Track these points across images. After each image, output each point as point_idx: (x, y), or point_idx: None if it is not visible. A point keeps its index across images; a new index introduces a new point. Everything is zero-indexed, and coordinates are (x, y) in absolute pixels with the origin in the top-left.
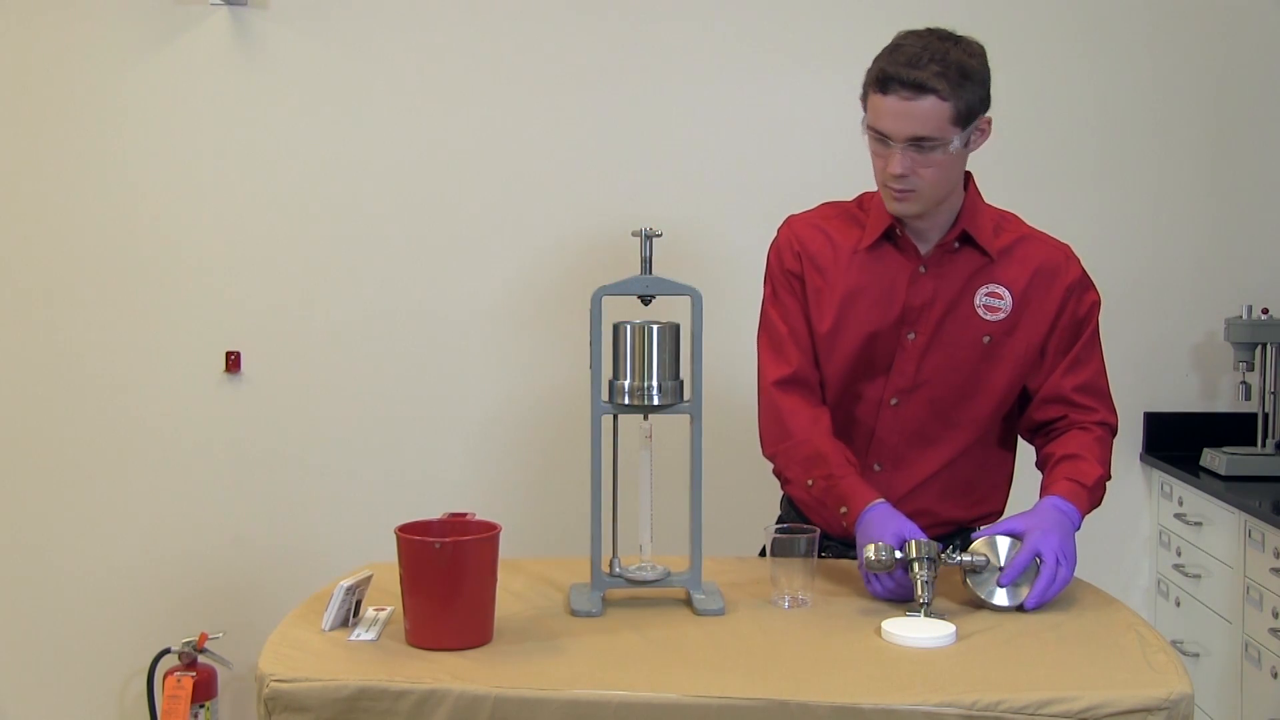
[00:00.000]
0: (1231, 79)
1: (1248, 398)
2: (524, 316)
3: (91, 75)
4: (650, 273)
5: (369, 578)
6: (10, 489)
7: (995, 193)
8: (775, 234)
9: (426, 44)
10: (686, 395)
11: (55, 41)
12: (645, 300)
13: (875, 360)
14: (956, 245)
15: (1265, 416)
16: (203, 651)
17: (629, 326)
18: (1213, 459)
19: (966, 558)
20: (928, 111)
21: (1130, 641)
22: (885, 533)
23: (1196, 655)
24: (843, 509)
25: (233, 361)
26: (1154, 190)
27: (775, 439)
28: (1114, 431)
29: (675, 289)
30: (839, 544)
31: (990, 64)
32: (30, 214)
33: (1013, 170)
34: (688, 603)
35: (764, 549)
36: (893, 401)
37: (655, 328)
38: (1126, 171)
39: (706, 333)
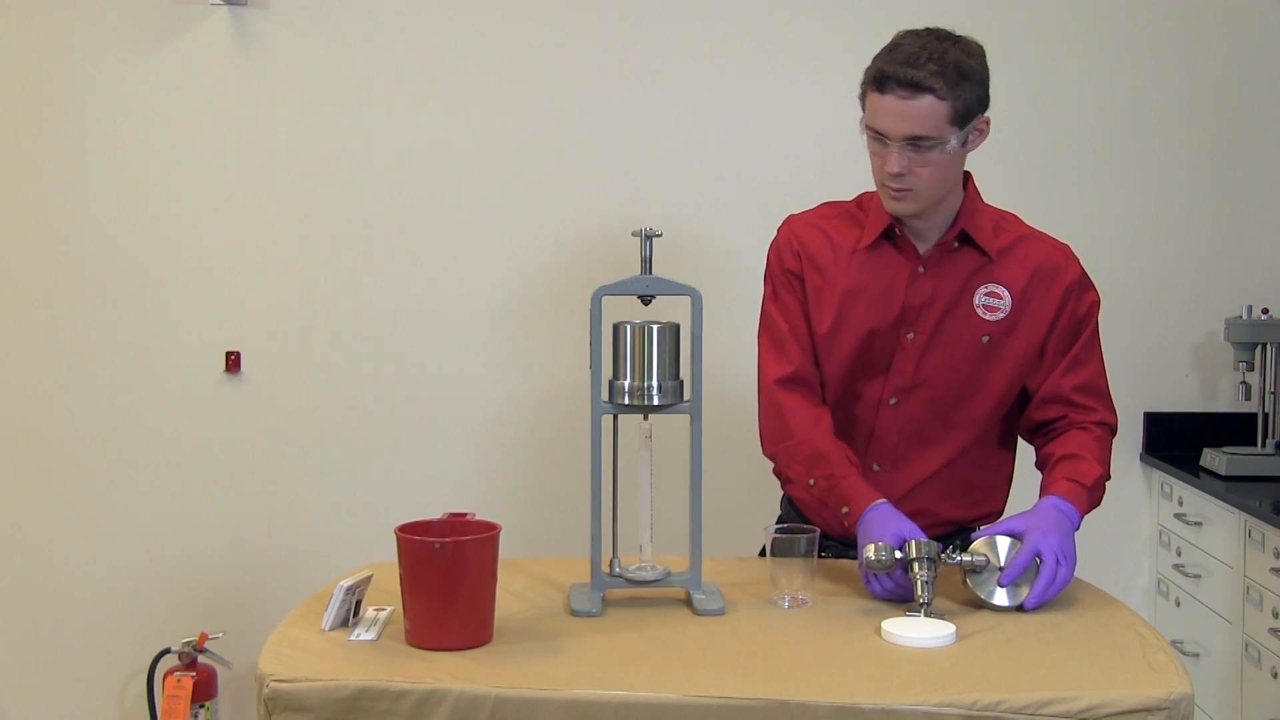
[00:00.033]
0: (1231, 79)
1: (1248, 398)
2: (524, 316)
3: (91, 75)
4: (650, 273)
5: (369, 578)
6: (10, 489)
7: (995, 193)
8: (775, 234)
9: (426, 44)
10: (686, 395)
11: (55, 41)
12: (645, 300)
13: (874, 360)
14: (956, 245)
15: (1265, 416)
16: (203, 651)
17: (629, 326)
18: (1213, 459)
19: (966, 558)
20: (925, 111)
21: (1130, 641)
22: (885, 533)
23: (1196, 655)
24: (845, 509)
25: (233, 361)
26: (1154, 190)
27: (777, 438)
28: (1113, 431)
29: (675, 289)
30: (838, 544)
31: (990, 64)
32: (30, 214)
33: (1013, 170)
34: (688, 603)
35: (764, 549)
36: (892, 401)
37: (655, 328)
38: (1126, 171)
39: (706, 333)
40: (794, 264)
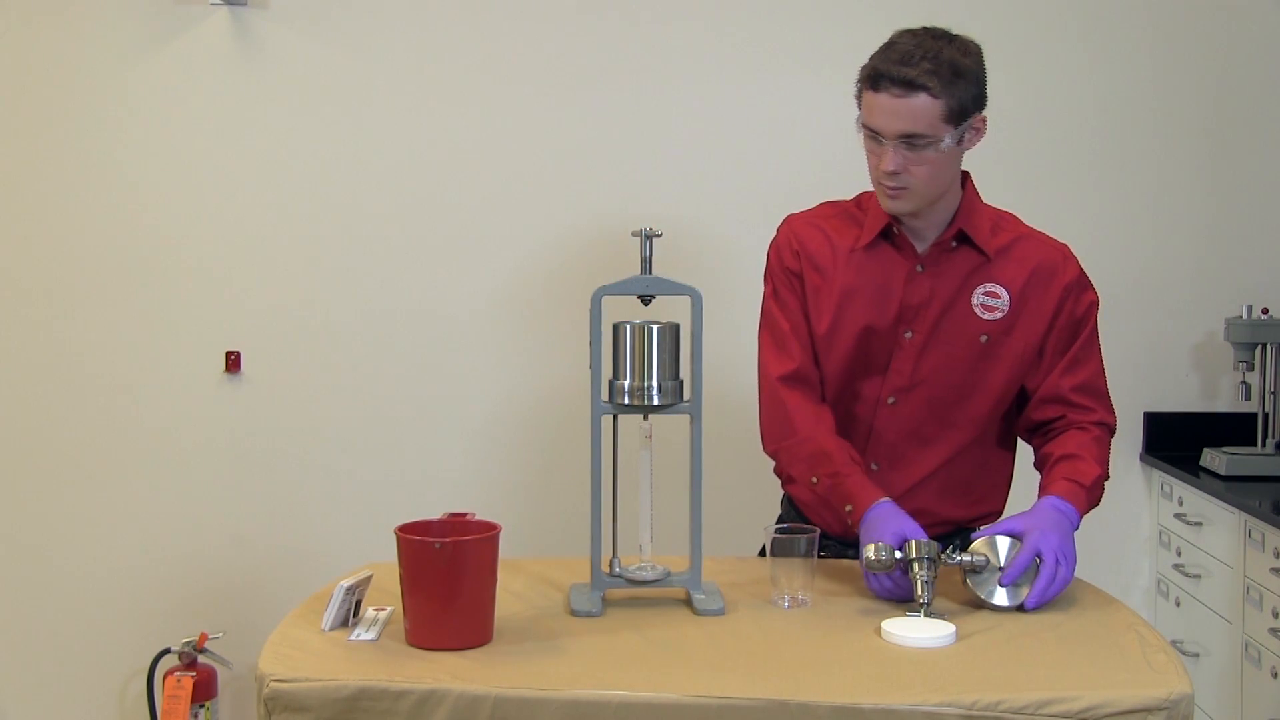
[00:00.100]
0: (1231, 79)
1: (1248, 398)
2: (524, 316)
3: (91, 75)
4: (650, 273)
5: (369, 578)
6: (10, 489)
7: (995, 192)
8: (775, 233)
9: (426, 44)
10: (686, 395)
11: (55, 41)
12: (645, 300)
13: (873, 359)
14: (954, 244)
15: (1265, 416)
16: (203, 651)
17: (629, 326)
18: (1213, 459)
19: (966, 558)
20: (919, 109)
21: (1130, 641)
22: (887, 531)
23: (1196, 655)
24: (848, 507)
25: (233, 361)
26: (1154, 190)
27: (779, 435)
28: (1112, 431)
29: (675, 289)
30: (837, 543)
31: (990, 64)
32: (30, 214)
33: (1013, 170)
34: (688, 603)
35: (764, 548)
36: (890, 400)
37: (655, 328)
38: (1126, 171)
39: (706, 333)
40: (793, 263)
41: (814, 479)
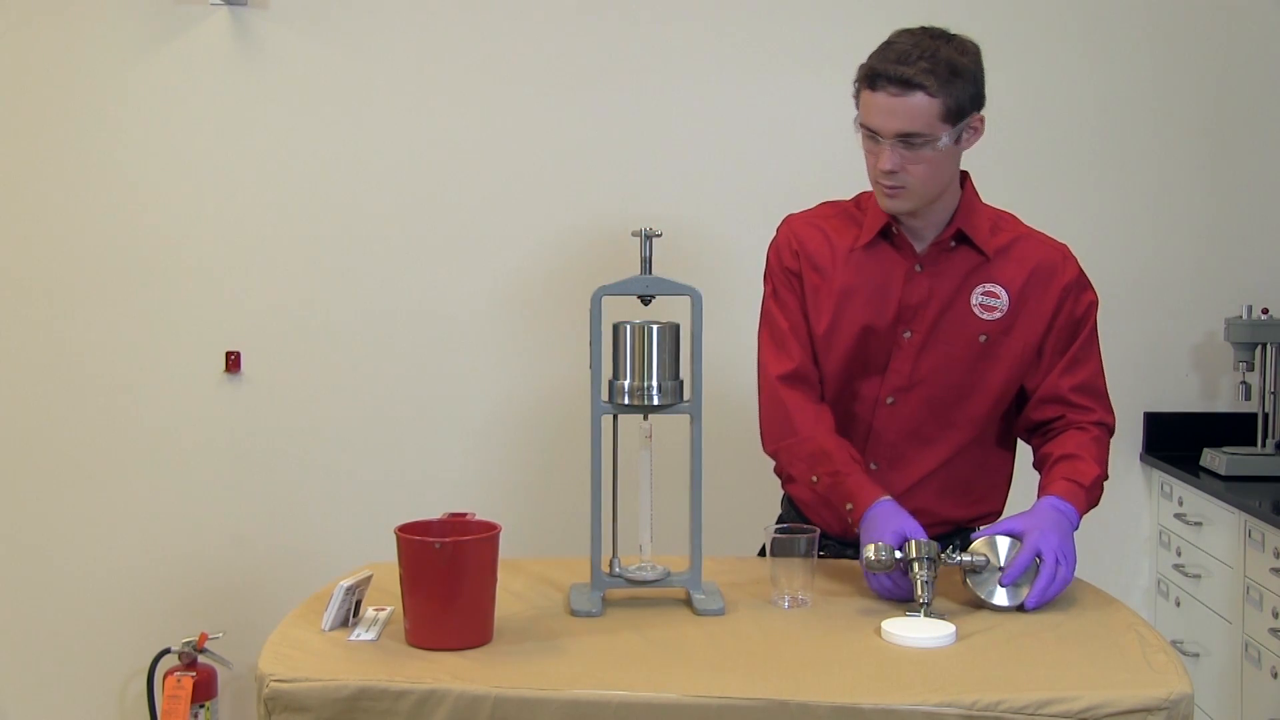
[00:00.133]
0: (1231, 79)
1: (1248, 398)
2: (524, 316)
3: (91, 75)
4: (650, 273)
5: (369, 578)
6: (10, 489)
7: (994, 192)
8: (775, 233)
9: (426, 44)
10: (686, 395)
11: (55, 41)
12: (645, 300)
13: (871, 358)
14: (952, 244)
15: (1265, 416)
16: (203, 651)
17: (629, 326)
18: (1213, 459)
19: (966, 558)
20: (916, 108)
21: (1130, 641)
22: (888, 530)
23: (1196, 655)
24: (848, 505)
25: (233, 361)
26: (1154, 190)
27: (779, 434)
28: (1111, 431)
29: (675, 289)
30: (837, 543)
31: (990, 63)
32: (30, 214)
33: (1012, 170)
34: (688, 603)
35: (764, 548)
36: (889, 400)
37: (655, 328)
38: (1126, 171)
39: (706, 333)
40: (793, 263)
41: (814, 478)
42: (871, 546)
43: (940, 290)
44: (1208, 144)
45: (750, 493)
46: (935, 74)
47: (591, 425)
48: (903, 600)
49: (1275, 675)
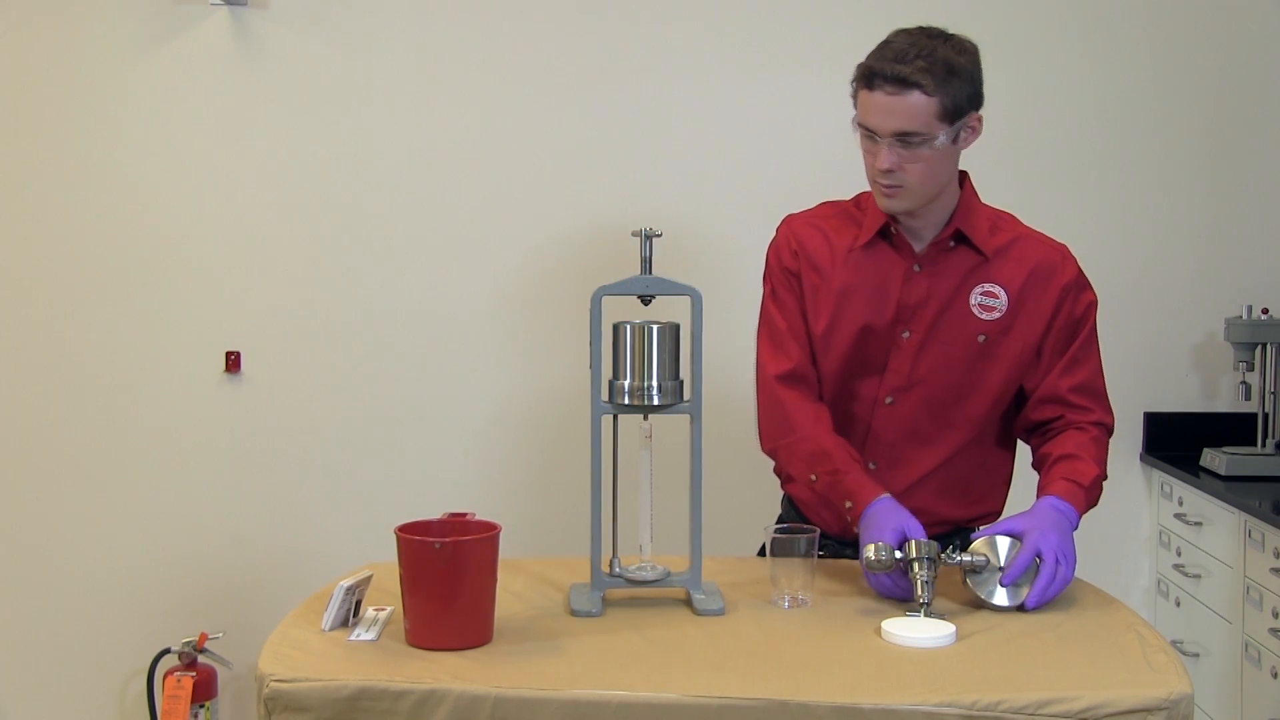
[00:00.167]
0: (1231, 79)
1: (1248, 398)
2: (524, 316)
3: (91, 75)
4: (650, 273)
5: (369, 578)
6: (10, 489)
7: (994, 192)
8: (774, 234)
9: (426, 44)
10: (686, 395)
11: (55, 41)
12: (645, 300)
13: (870, 358)
14: (951, 244)
15: (1265, 416)
16: (203, 651)
17: (629, 326)
18: (1213, 459)
19: (966, 558)
20: (913, 107)
21: (1130, 641)
22: (887, 527)
23: (1196, 655)
24: (848, 504)
25: (233, 361)
26: (1154, 190)
27: (778, 434)
28: (1110, 431)
29: (675, 289)
30: (836, 542)
31: (990, 63)
32: (30, 214)
33: (1013, 170)
34: (688, 603)
35: (763, 547)
36: (888, 400)
37: (655, 328)
38: (1126, 171)
39: (706, 333)
40: (792, 263)
41: (813, 477)
42: (871, 547)
43: (939, 290)
44: (1208, 144)
45: (750, 493)
46: (932, 73)
47: (591, 425)
48: (903, 600)
49: (1275, 675)
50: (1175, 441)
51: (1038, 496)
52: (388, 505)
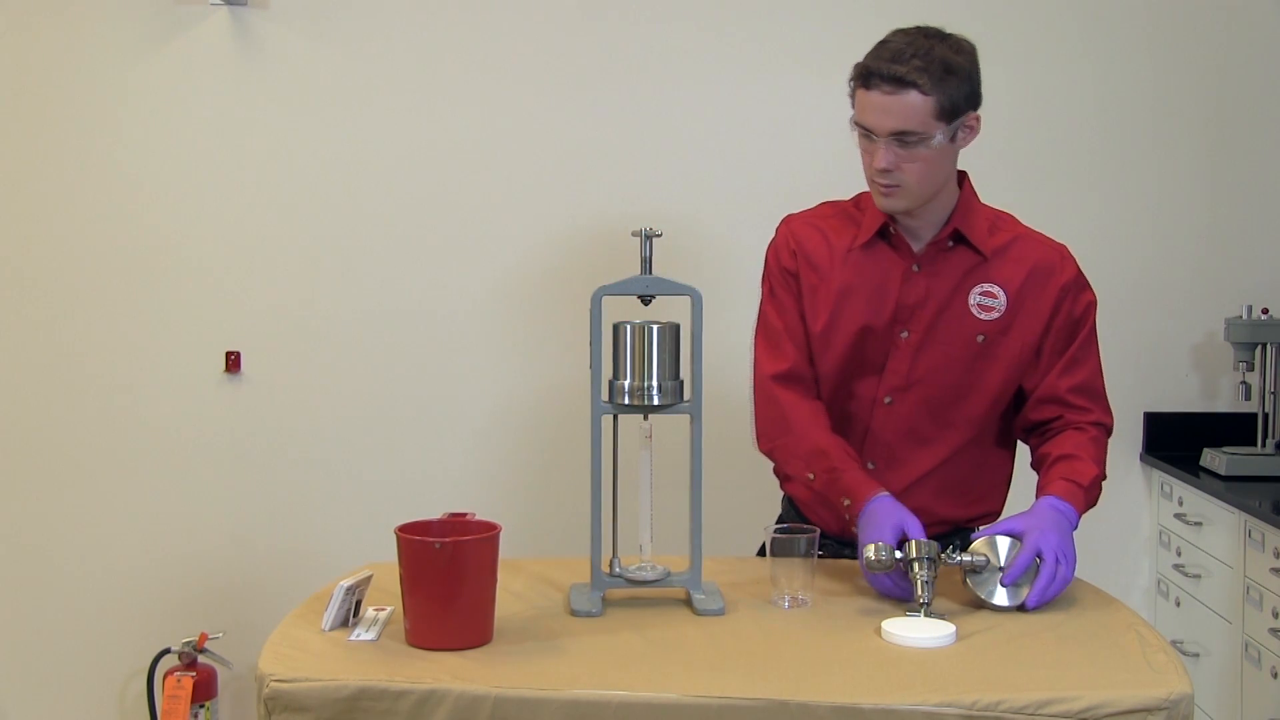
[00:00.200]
0: (1231, 79)
1: (1248, 398)
2: (524, 316)
3: (91, 75)
4: (650, 273)
5: (369, 578)
6: (10, 489)
7: (994, 193)
8: (774, 234)
9: (426, 44)
10: (686, 395)
11: (55, 41)
12: (645, 300)
13: (869, 358)
14: (950, 244)
15: (1265, 416)
16: (203, 651)
17: (629, 326)
18: (1213, 459)
19: (967, 558)
20: (909, 106)
21: (1130, 641)
22: (887, 524)
23: (1196, 655)
24: (846, 501)
25: (233, 361)
26: (1154, 190)
27: (774, 433)
28: (1109, 432)
29: (675, 289)
30: (835, 542)
31: (990, 63)
32: (30, 214)
33: (1013, 170)
34: (688, 603)
35: (763, 546)
36: (886, 400)
37: (655, 328)
38: (1126, 171)
39: (707, 333)
40: (790, 263)
41: (810, 475)
42: (871, 547)
43: (938, 290)
44: (1207, 144)
45: (750, 493)
46: (929, 72)
47: (591, 425)
48: (902, 600)
49: (1275, 675)
50: (1175, 441)
51: (1037, 496)
52: (388, 505)
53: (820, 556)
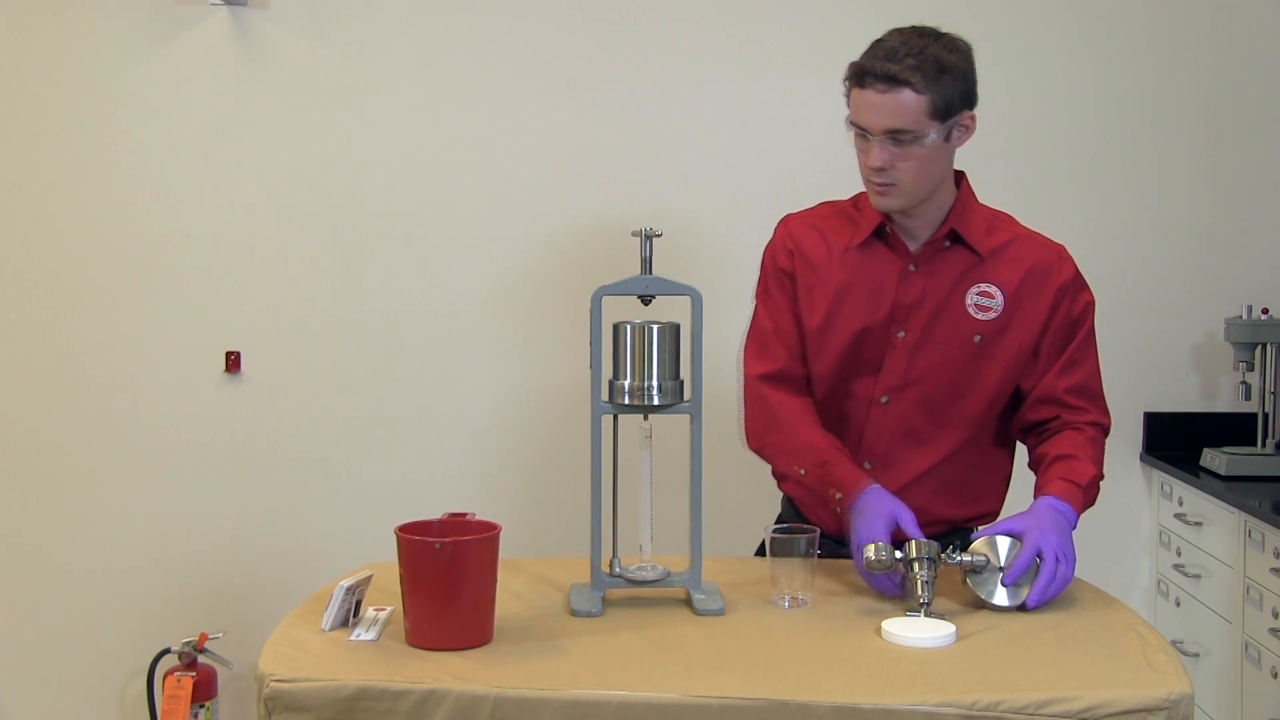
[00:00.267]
0: (1231, 79)
1: (1248, 398)
2: (524, 316)
3: (91, 75)
4: (650, 273)
5: (369, 578)
6: (10, 489)
7: (994, 193)
8: (772, 234)
9: (426, 44)
10: (686, 395)
11: (55, 41)
12: (645, 300)
13: (865, 358)
14: (947, 244)
15: (1265, 416)
16: (203, 651)
17: (629, 326)
18: (1213, 459)
19: (967, 558)
20: (903, 104)
21: (1130, 641)
22: (878, 516)
23: (1196, 655)
24: (837, 494)
25: (233, 361)
26: (1153, 190)
27: (763, 431)
28: (1106, 432)
29: (675, 289)
30: (834, 541)
31: (990, 62)
32: (30, 214)
33: (1012, 170)
34: (688, 603)
35: (762, 545)
36: (883, 400)
37: (655, 328)
38: (1126, 171)
39: (707, 333)
40: (786, 263)
41: (801, 470)
42: (872, 547)
43: (934, 290)
44: (1207, 144)
45: (750, 493)
46: (922, 71)
47: (591, 425)
48: (891, 593)
49: (1275, 675)
50: (1175, 441)
51: (1035, 497)
52: (388, 505)
53: (819, 556)
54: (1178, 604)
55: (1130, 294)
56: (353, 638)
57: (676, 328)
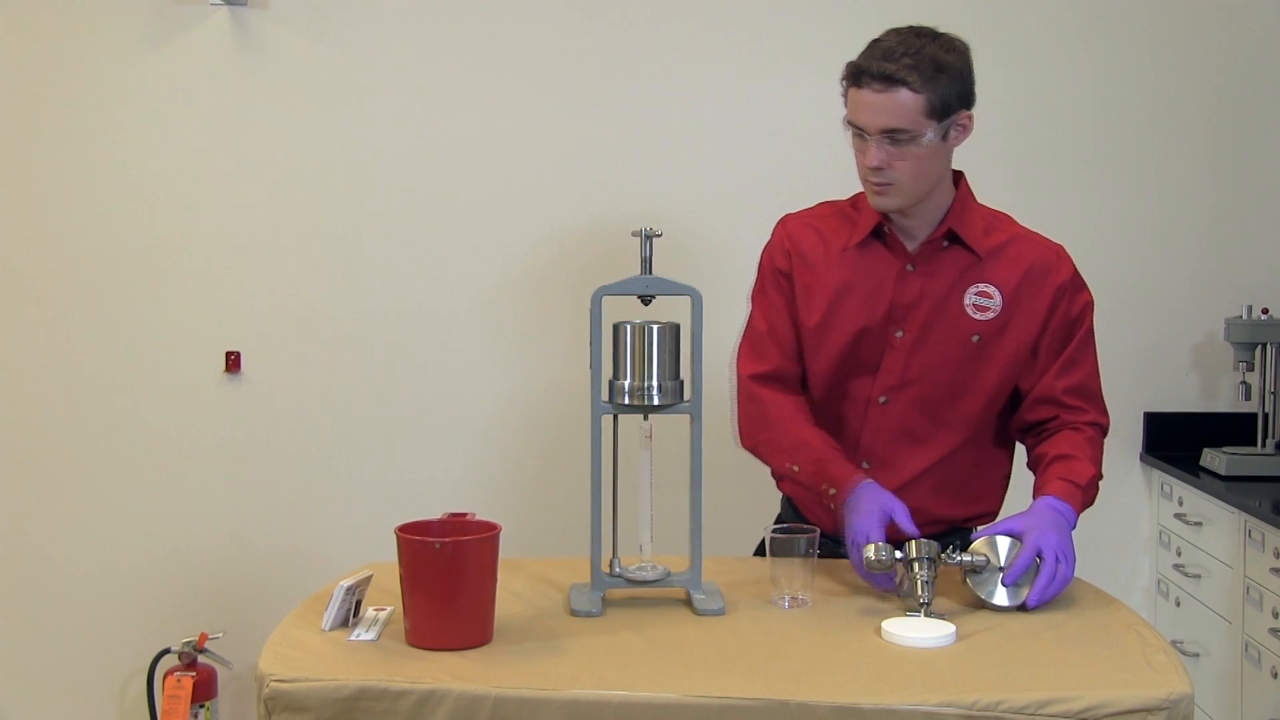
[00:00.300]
0: (1231, 79)
1: (1248, 398)
2: (524, 316)
3: (91, 75)
4: (650, 273)
5: (369, 578)
6: (11, 489)
7: (994, 193)
8: (770, 234)
9: (426, 44)
10: (686, 395)
11: (55, 41)
12: (645, 300)
13: (863, 358)
14: (945, 244)
15: (1265, 416)
16: (203, 651)
17: (629, 326)
18: (1213, 459)
19: (967, 558)
20: (900, 104)
21: (1130, 641)
22: (872, 511)
23: (1196, 655)
24: (830, 490)
25: (233, 361)
26: (1153, 190)
27: (756, 429)
28: (1105, 432)
29: (675, 289)
30: (833, 542)
31: (989, 62)
32: (30, 214)
33: (1012, 170)
34: (688, 603)
35: (761, 544)
36: (881, 399)
37: (655, 328)
38: (1126, 172)
39: (707, 333)
40: (784, 263)
41: (794, 467)
42: (872, 547)
43: (932, 290)
44: (1207, 144)
45: (750, 493)
46: (919, 70)
47: (591, 425)
48: (886, 585)
49: (1275, 675)
50: (1175, 441)
51: (1034, 497)
52: (388, 505)
53: (819, 556)
54: (1178, 604)
55: (1130, 294)
56: (353, 638)
57: (676, 328)
